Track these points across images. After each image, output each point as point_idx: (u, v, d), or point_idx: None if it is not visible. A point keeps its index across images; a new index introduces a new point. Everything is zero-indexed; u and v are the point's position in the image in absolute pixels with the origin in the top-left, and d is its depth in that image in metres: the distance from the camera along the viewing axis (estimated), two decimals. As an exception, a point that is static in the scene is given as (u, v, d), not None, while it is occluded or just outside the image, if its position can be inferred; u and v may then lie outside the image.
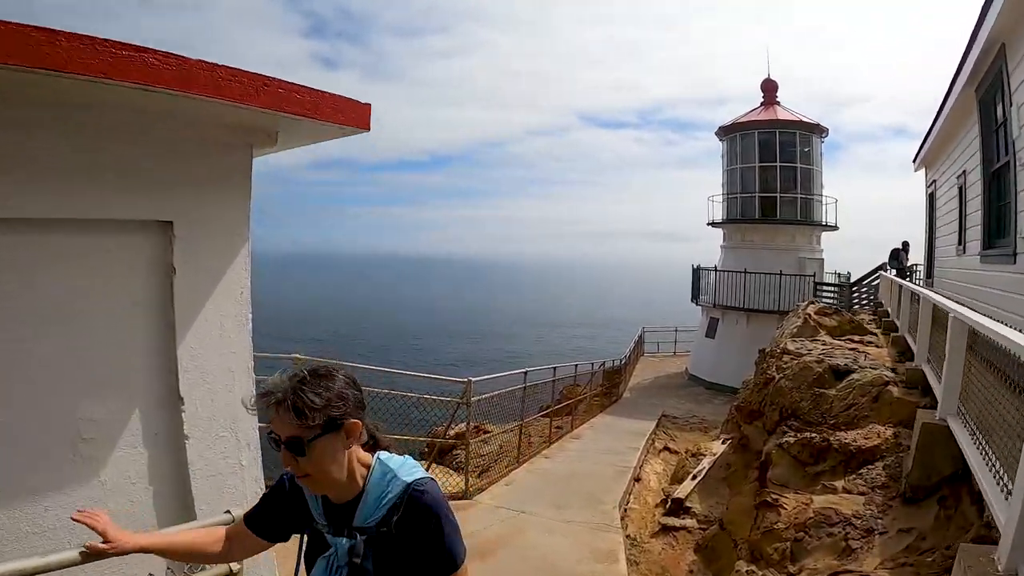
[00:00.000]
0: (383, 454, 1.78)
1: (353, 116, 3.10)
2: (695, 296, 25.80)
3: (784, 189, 24.19)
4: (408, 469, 1.75)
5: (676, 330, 29.90)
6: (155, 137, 2.85)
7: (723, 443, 11.16)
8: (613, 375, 20.03)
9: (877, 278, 19.61)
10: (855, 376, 7.69)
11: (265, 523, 1.84)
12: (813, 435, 6.71)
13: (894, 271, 16.72)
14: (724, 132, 25.45)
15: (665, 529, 8.15)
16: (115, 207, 2.77)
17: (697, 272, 25.60)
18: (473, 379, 7.62)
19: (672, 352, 29.79)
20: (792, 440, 6.77)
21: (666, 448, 13.67)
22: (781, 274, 22.57)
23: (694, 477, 9.66)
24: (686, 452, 13.56)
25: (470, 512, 7.18)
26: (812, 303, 13.16)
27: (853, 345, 9.94)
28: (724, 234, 25.88)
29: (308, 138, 3.43)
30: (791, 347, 9.56)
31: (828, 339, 10.56)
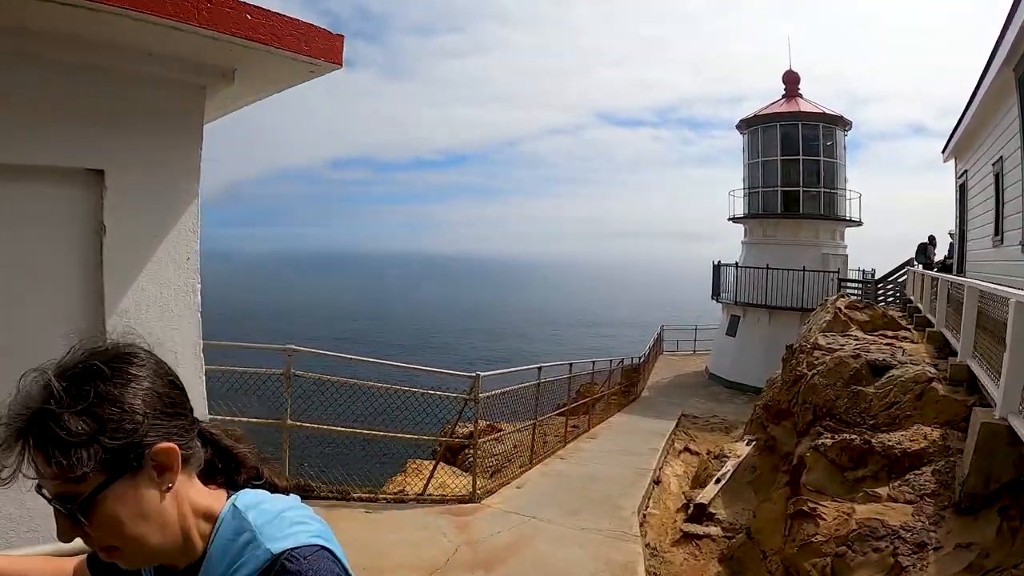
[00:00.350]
0: (245, 496, 1.08)
1: (322, 47, 2.55)
2: (715, 293, 25.11)
3: (807, 183, 23.44)
4: (280, 527, 1.01)
5: (695, 328, 29.23)
6: (80, 67, 2.32)
7: (747, 444, 10.53)
8: (631, 373, 19.40)
9: (904, 274, 18.89)
10: (895, 372, 7.06)
11: (106, 569, 1.16)
12: (852, 436, 6.09)
13: (920, 266, 16.00)
14: (745, 125, 24.72)
15: (687, 537, 7.54)
16: (28, 150, 2.25)
17: (718, 269, 24.90)
18: (482, 374, 7.05)
19: (691, 351, 29.09)
20: (829, 442, 6.16)
21: (687, 449, 13.04)
22: (804, 270, 21.84)
23: (718, 481, 9.04)
24: (707, 453, 12.95)
25: (477, 517, 6.63)
26: (841, 297, 12.46)
27: (887, 341, 9.29)
28: (745, 229, 25.17)
29: (272, 80, 2.89)
30: (822, 342, 8.92)
31: (860, 334, 9.91)
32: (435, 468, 7.69)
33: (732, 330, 23.89)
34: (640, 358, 21.26)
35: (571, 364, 11.83)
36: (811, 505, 5.36)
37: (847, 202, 24.06)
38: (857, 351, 7.69)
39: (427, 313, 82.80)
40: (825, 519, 5.20)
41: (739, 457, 9.99)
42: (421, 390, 6.88)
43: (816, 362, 8.31)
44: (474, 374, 6.98)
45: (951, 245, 15.51)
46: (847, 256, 23.93)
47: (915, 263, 17.38)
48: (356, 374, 7.05)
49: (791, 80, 25.11)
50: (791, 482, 6.71)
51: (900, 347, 8.46)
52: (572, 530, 6.47)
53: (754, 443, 10.51)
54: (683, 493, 9.99)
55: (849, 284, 22.00)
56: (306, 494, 6.61)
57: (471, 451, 15.28)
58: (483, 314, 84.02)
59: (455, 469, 10.10)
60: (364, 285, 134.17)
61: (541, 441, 10.60)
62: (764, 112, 24.34)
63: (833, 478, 5.96)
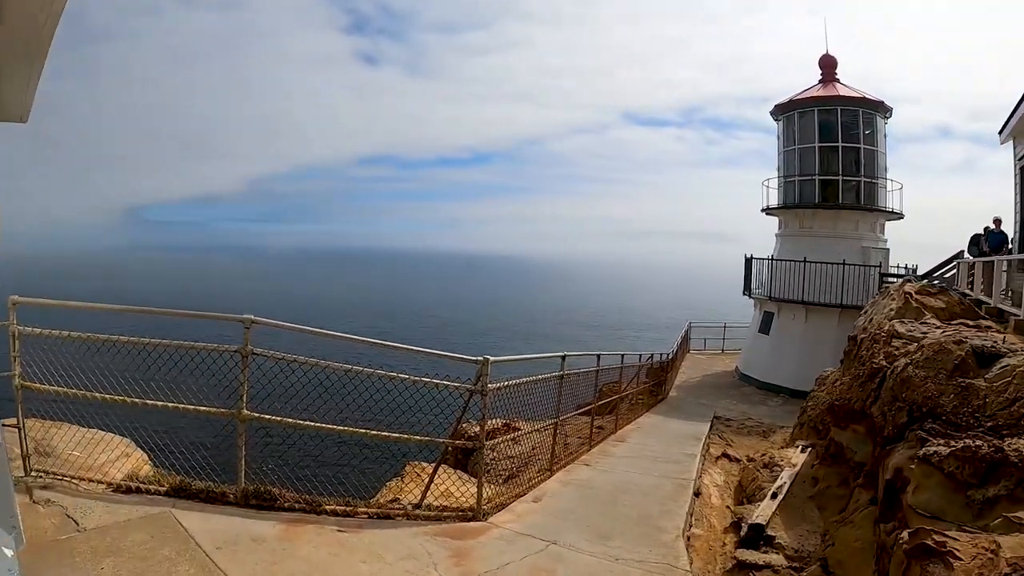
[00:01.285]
0: None
1: None
2: (747, 288, 23.41)
3: (846, 172, 21.71)
4: None
5: (724, 326, 27.52)
6: None
7: (803, 451, 8.98)
8: (659, 372, 17.82)
9: (951, 268, 17.28)
10: (1010, 362, 5.50)
11: None
12: (977, 443, 4.56)
13: (971, 257, 14.55)
14: (780, 110, 23.03)
15: (743, 568, 5.98)
16: None
17: (750, 262, 23.20)
18: (492, 359, 5.56)
19: (720, 349, 27.39)
20: (944, 451, 4.62)
21: (725, 455, 11.48)
22: (844, 264, 20.15)
23: (774, 496, 7.48)
24: (748, 460, 11.39)
25: (480, 541, 5.14)
26: (909, 282, 10.87)
27: (971, 330, 7.69)
28: (780, 221, 23.45)
29: None
30: (901, 329, 7.37)
31: (937, 323, 8.33)
32: (434, 474, 6.20)
33: (765, 328, 22.21)
34: (667, 355, 19.67)
35: (599, 355, 10.27)
36: (937, 538, 3.83)
37: (888, 193, 22.31)
38: (961, 338, 6.11)
39: (448, 310, 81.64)
40: (960, 557, 3.67)
41: (795, 467, 8.44)
42: (411, 376, 5.41)
43: (897, 352, 6.76)
44: (480, 358, 5.51)
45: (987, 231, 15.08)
46: (888, 251, 22.15)
47: (966, 255, 15.89)
48: (345, 358, 5.64)
49: (828, 64, 23.41)
50: (883, 501, 5.18)
51: (996, 336, 6.88)
52: (604, 560, 4.96)
53: (810, 450, 8.96)
54: (728, 508, 8.46)
55: (892, 280, 20.29)
56: (265, 504, 5.19)
57: (487, 452, 13.76)
58: (503, 313, 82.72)
59: (463, 475, 8.63)
60: (387, 282, 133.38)
61: (562, 443, 9.08)
62: (801, 97, 22.64)
63: (953, 498, 4.43)
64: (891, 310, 9.45)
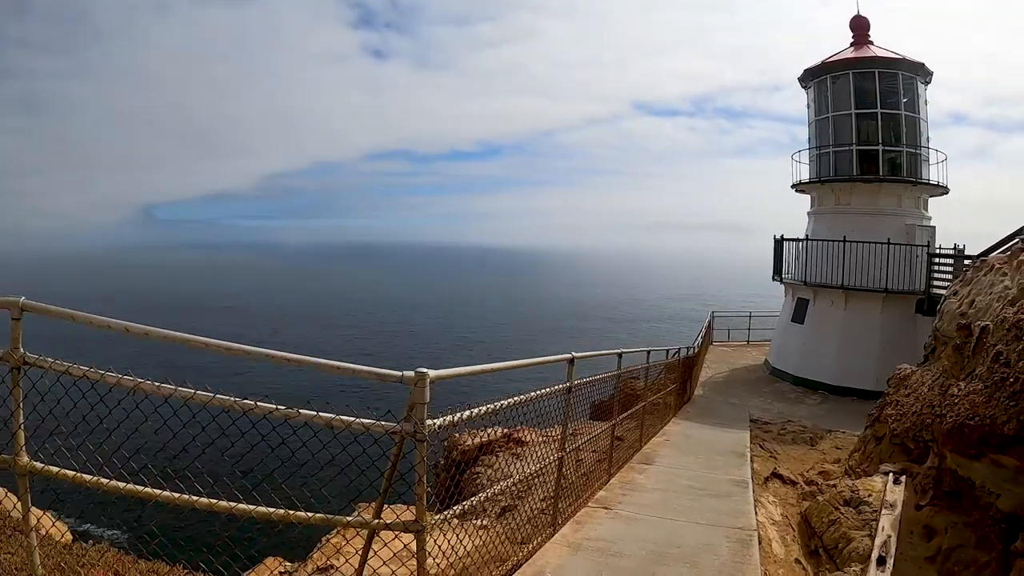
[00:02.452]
0: None
1: None
2: (777, 273, 20.93)
3: (886, 141, 19.20)
4: None
5: (750, 315, 25.02)
6: None
7: (895, 482, 6.61)
8: (683, 369, 15.42)
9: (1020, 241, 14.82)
10: None
11: None
12: None
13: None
14: (811, 75, 20.48)
15: None
16: None
17: (781, 244, 20.70)
18: (433, 373, 3.17)
19: (745, 341, 24.94)
20: None
21: (776, 475, 9.13)
22: (889, 243, 17.67)
23: (881, 561, 5.10)
24: (807, 482, 9.04)
25: None
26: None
27: None
28: (812, 198, 20.92)
29: None
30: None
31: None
32: (365, 559, 3.87)
33: (799, 316, 19.72)
34: (690, 348, 17.31)
35: (621, 354, 7.76)
36: None
37: (931, 166, 19.76)
38: None
39: (457, 306, 79.58)
40: None
41: (892, 508, 6.08)
42: (283, 409, 2.99)
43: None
44: (412, 373, 3.12)
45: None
46: (935, 228, 19.58)
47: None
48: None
49: (860, 26, 20.83)
50: None
51: None
52: None
53: (905, 479, 6.60)
54: (799, 564, 6.13)
55: (943, 260, 17.82)
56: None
57: (482, 469, 11.22)
58: (513, 307, 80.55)
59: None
60: (401, 277, 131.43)
61: (573, 472, 6.70)
62: (834, 59, 20.10)
63: None
64: (1012, 288, 7.04)
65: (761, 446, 11.63)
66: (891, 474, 6.84)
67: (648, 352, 9.22)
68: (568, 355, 5.53)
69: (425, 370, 3.05)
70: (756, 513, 6.93)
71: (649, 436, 10.42)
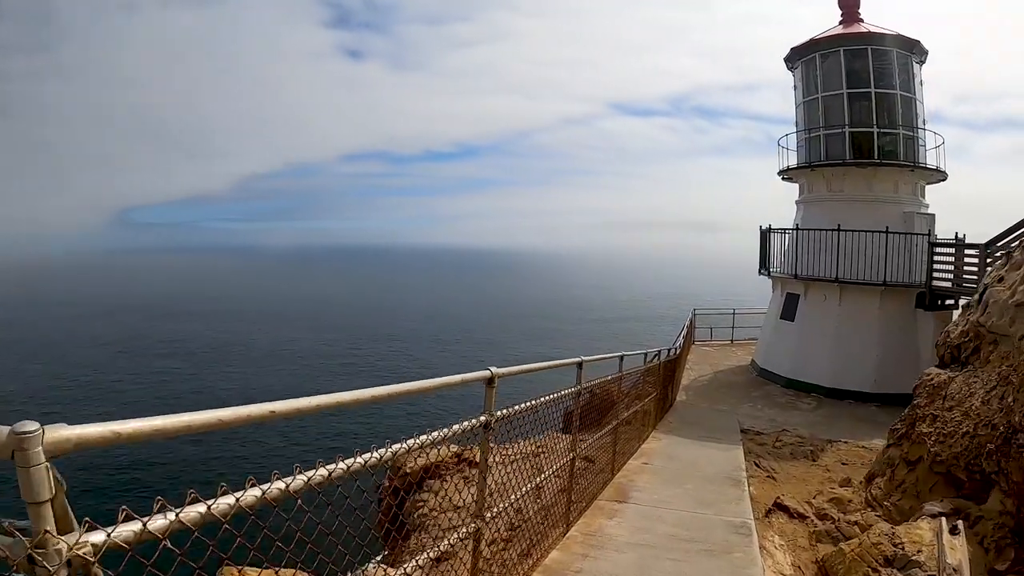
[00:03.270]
0: None
1: None
2: (764, 266, 19.30)
3: (880, 123, 17.63)
4: None
5: (734, 312, 23.36)
6: None
7: (951, 531, 4.87)
8: (665, 374, 13.57)
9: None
10: None
11: None
12: None
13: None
14: (798, 55, 18.83)
15: None
16: None
17: (767, 235, 19.05)
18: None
19: (729, 340, 23.30)
20: None
21: (778, 506, 7.37)
22: (888, 232, 16.09)
23: None
24: (820, 516, 7.28)
25: None
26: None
27: None
28: (801, 186, 19.27)
29: None
30: None
31: None
32: None
33: (789, 313, 18.08)
34: (671, 351, 15.57)
35: (580, 362, 5.93)
36: None
37: (927, 150, 18.21)
38: None
39: (430, 311, 77.54)
40: None
41: (953, 571, 4.34)
42: None
43: None
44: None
45: None
46: (934, 216, 18.02)
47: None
48: None
49: (849, 3, 19.24)
50: None
51: None
52: None
53: (961, 526, 4.86)
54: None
55: (944, 250, 16.26)
56: None
57: (428, 496, 9.61)
58: (488, 310, 78.68)
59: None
60: (392, 280, 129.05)
61: (537, 514, 4.88)
62: (823, 36, 18.48)
63: None
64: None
65: (757, 464, 9.90)
66: (941, 517, 5.08)
67: (621, 357, 7.41)
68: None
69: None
70: (763, 571, 5.14)
71: (626, 456, 8.61)
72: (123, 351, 45.12)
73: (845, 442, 11.98)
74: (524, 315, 71.33)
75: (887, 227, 16.16)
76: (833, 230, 16.39)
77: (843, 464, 10.65)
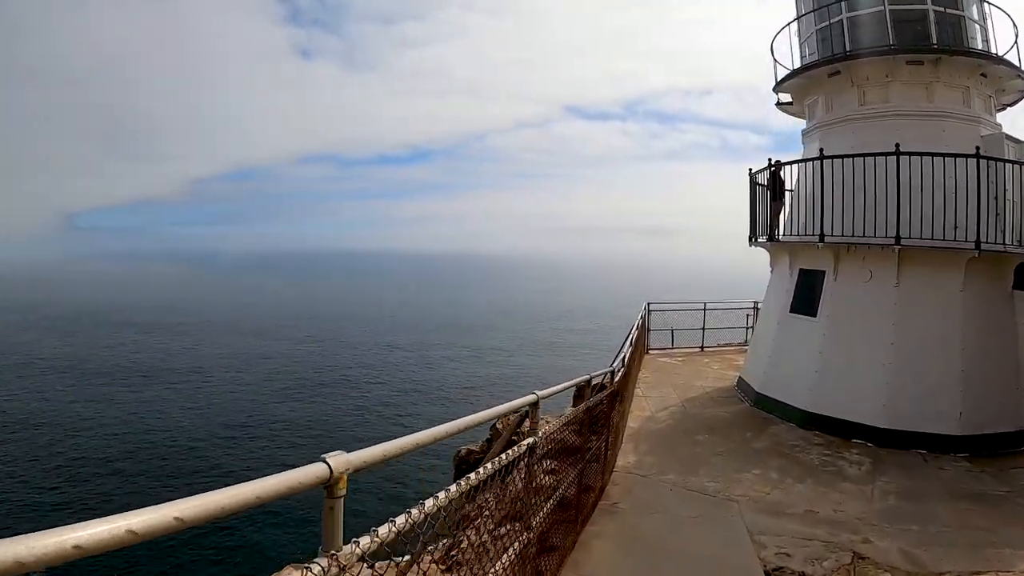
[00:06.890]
0: None
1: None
2: (757, 233, 11.90)
3: (936, 1, 10.54)
4: None
5: (705, 307, 15.84)
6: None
7: None
8: (587, 430, 5.97)
9: None
10: None
11: None
12: None
13: None
14: None
15: None
16: None
17: (772, 175, 11.54)
18: None
19: (698, 346, 15.87)
20: None
21: None
22: (978, 155, 8.97)
23: None
24: None
25: None
26: None
27: None
28: (810, 107, 11.93)
29: None
30: None
31: None
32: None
33: (806, 303, 10.65)
34: (606, 376, 8.02)
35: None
36: None
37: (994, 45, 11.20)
38: None
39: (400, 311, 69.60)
40: None
41: None
42: None
43: None
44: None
45: None
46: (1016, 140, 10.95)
47: None
48: None
49: None
50: None
51: None
52: None
53: None
54: None
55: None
56: None
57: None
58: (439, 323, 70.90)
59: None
60: (318, 285, 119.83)
61: None
62: None
63: None
64: None
65: None
66: None
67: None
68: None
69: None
70: None
71: None
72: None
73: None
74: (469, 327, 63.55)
75: (978, 148, 9.06)
76: (892, 154, 9.10)
77: None
